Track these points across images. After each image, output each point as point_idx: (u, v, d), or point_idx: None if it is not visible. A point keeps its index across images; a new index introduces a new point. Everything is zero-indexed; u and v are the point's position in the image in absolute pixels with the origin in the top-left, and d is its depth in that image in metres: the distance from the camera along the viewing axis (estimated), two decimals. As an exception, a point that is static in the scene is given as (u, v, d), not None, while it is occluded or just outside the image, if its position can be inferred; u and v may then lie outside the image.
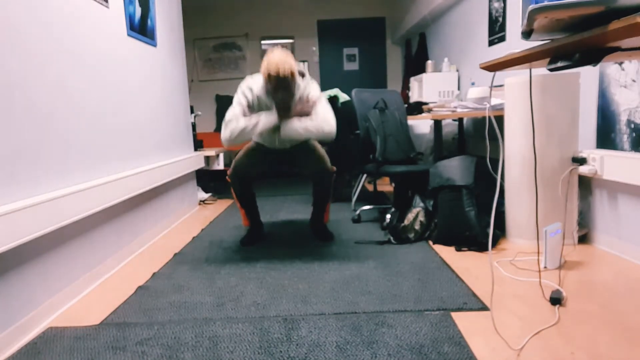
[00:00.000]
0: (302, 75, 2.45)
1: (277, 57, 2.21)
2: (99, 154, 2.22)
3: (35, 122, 1.74)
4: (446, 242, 2.48)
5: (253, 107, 2.40)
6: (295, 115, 2.35)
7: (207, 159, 4.37)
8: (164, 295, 1.93)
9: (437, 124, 3.17)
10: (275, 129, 2.35)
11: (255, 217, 2.75)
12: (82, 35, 2.12)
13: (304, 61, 6.73)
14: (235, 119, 2.31)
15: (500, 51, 3.37)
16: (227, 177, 2.58)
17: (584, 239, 2.41)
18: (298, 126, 2.32)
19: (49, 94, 1.84)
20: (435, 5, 4.48)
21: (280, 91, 2.27)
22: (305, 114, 2.36)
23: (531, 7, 0.91)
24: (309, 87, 2.44)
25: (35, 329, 1.66)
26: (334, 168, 2.59)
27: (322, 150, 2.61)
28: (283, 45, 2.43)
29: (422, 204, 2.63)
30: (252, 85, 2.41)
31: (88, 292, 2.02)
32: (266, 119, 2.31)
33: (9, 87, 1.60)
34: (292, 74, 2.22)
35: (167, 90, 3.30)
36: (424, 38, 5.53)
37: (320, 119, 2.33)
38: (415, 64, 5.55)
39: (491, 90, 1.50)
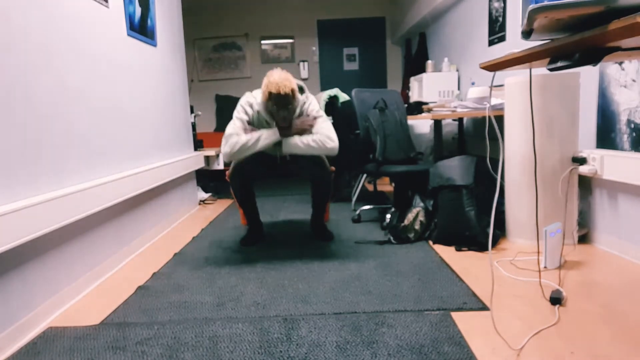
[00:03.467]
0: (302, 91, 2.49)
1: (277, 76, 2.29)
2: (99, 153, 2.22)
3: (35, 122, 1.74)
4: (446, 242, 2.48)
5: (253, 123, 2.43)
6: (295, 130, 2.37)
7: (207, 159, 4.37)
8: (164, 295, 1.93)
9: (437, 124, 3.17)
10: (277, 145, 2.37)
11: (255, 217, 2.75)
12: (82, 35, 2.12)
13: (304, 61, 6.72)
14: (236, 134, 2.32)
15: (500, 51, 3.37)
16: (226, 178, 2.58)
17: (584, 238, 2.41)
18: (300, 143, 2.34)
19: (49, 93, 1.84)
20: (435, 5, 4.48)
21: (281, 109, 2.30)
22: (305, 128, 2.39)
23: (531, 7, 0.91)
24: (308, 102, 2.47)
25: (35, 329, 1.66)
26: (333, 168, 2.59)
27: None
28: (282, 68, 2.44)
29: (422, 204, 2.63)
30: (252, 101, 2.44)
31: (88, 292, 2.02)
32: (268, 135, 2.33)
33: (9, 87, 1.60)
34: (293, 91, 2.28)
35: (167, 90, 3.30)
36: (424, 38, 5.53)
37: (323, 136, 2.36)
38: (415, 63, 5.54)
39: (491, 90, 1.50)
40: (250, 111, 2.42)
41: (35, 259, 1.71)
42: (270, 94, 2.26)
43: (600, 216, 2.32)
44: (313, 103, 2.49)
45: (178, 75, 3.57)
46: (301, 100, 2.44)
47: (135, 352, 1.44)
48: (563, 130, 2.29)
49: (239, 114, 2.41)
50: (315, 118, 2.43)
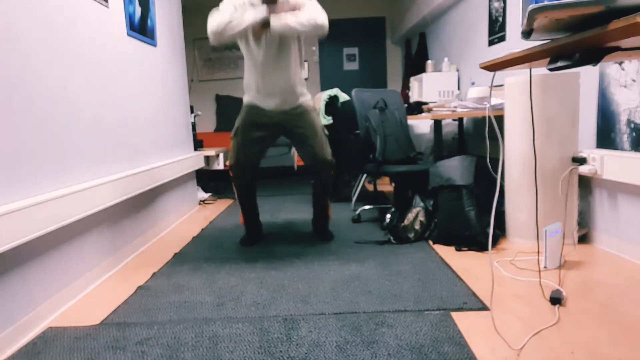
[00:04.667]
0: None
1: None
2: (99, 153, 2.22)
3: (35, 122, 1.74)
4: (446, 242, 2.48)
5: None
6: (282, 10, 2.26)
7: (207, 158, 4.37)
8: (164, 295, 1.93)
9: (437, 124, 3.17)
10: (265, 25, 2.25)
11: (254, 217, 2.75)
12: (81, 35, 2.12)
13: (304, 61, 6.72)
14: (222, 13, 2.23)
15: (500, 51, 3.37)
16: (229, 170, 2.57)
17: (584, 238, 2.41)
18: (289, 19, 2.23)
19: (49, 93, 1.84)
20: (435, 5, 4.48)
21: None
22: (294, 9, 2.28)
23: (531, 7, 0.91)
24: None
25: (35, 329, 1.66)
26: (334, 160, 2.57)
27: (324, 138, 2.56)
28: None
29: (422, 204, 2.63)
30: None
31: (88, 292, 2.02)
32: (254, 13, 2.24)
33: (8, 87, 1.60)
34: None
35: (167, 90, 3.30)
36: (424, 38, 5.53)
37: (312, 13, 2.26)
38: (415, 63, 5.54)
39: (491, 90, 1.50)
40: (237, 3, 2.30)
41: (35, 259, 1.71)
42: None
43: (600, 216, 2.32)
44: None
45: (178, 75, 3.57)
46: None
47: (135, 352, 1.44)
48: (563, 130, 2.29)
49: (227, 2, 2.30)
50: (303, 4, 2.31)
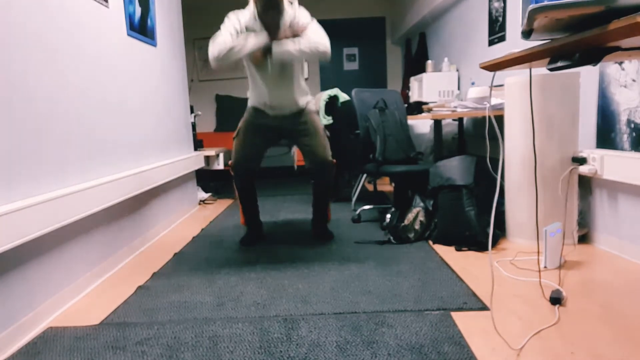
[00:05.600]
0: (291, 2, 2.38)
1: None
2: (99, 153, 2.22)
3: (35, 122, 1.74)
4: (446, 242, 2.48)
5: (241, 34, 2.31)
6: (285, 36, 2.27)
7: (207, 158, 4.37)
8: (164, 295, 1.93)
9: (437, 124, 3.17)
10: (267, 51, 2.26)
11: (255, 216, 2.75)
12: (81, 35, 2.12)
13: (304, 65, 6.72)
14: (224, 39, 2.23)
15: (500, 51, 3.37)
16: (230, 170, 2.57)
17: (584, 238, 2.41)
18: (291, 46, 2.24)
19: (49, 93, 1.84)
20: (435, 5, 4.48)
21: (270, 11, 2.24)
22: (296, 34, 2.28)
23: (531, 6, 0.91)
24: (298, 13, 2.35)
25: (35, 329, 1.66)
26: (335, 161, 2.58)
27: (325, 139, 2.57)
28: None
29: (422, 204, 2.63)
30: (240, 17, 2.34)
31: (88, 292, 2.02)
32: (256, 39, 2.24)
33: (8, 87, 1.60)
34: None
35: (167, 90, 3.30)
36: (424, 38, 5.53)
37: (313, 39, 2.25)
38: (415, 63, 5.54)
39: (491, 90, 1.50)
40: (238, 26, 2.30)
41: (35, 259, 1.71)
42: None
43: (600, 216, 2.32)
44: (304, 15, 2.37)
45: (178, 75, 3.57)
46: (290, 12, 2.33)
47: (135, 352, 1.44)
48: (563, 130, 2.29)
49: (227, 27, 2.30)
50: (305, 27, 2.30)
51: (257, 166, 2.60)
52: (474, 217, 2.37)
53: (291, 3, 2.38)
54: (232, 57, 2.25)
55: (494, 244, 2.44)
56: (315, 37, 2.27)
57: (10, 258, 1.57)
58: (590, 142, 2.35)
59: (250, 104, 2.61)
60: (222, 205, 4.04)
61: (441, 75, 4.39)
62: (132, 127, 2.62)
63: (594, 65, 1.10)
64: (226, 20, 2.34)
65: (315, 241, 2.67)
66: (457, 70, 4.40)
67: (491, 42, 3.56)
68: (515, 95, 2.38)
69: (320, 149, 2.51)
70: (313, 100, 2.70)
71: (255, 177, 2.64)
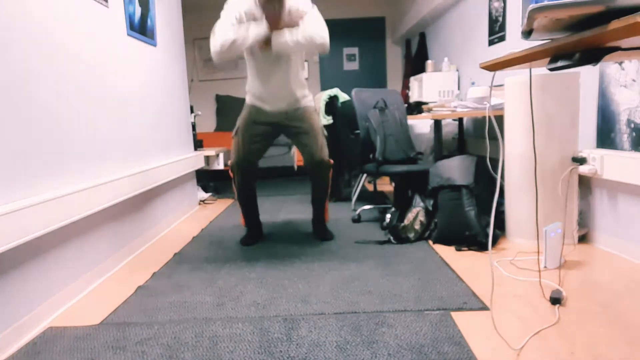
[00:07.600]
0: None
1: None
2: (99, 153, 2.22)
3: (35, 122, 1.74)
4: (446, 242, 2.48)
5: (241, 23, 2.31)
6: (284, 25, 2.27)
7: (207, 158, 4.37)
8: (164, 295, 1.93)
9: (437, 124, 3.17)
10: (267, 41, 2.26)
11: (254, 216, 2.75)
12: (82, 35, 2.12)
13: (304, 61, 6.72)
14: (225, 32, 2.23)
15: (500, 51, 3.37)
16: (229, 171, 2.58)
17: (584, 238, 2.41)
18: (289, 38, 2.24)
19: (49, 93, 1.84)
20: (435, 5, 4.48)
21: (270, 1, 2.24)
22: (295, 23, 2.28)
23: (531, 6, 0.91)
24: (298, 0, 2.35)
25: (35, 329, 1.66)
26: (332, 161, 2.58)
27: (323, 139, 2.57)
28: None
29: (422, 204, 2.63)
30: (240, 2, 2.33)
31: (88, 292, 2.02)
32: (256, 30, 2.23)
33: (8, 87, 1.60)
34: None
35: (167, 90, 3.30)
36: (423, 38, 5.53)
37: (311, 30, 2.26)
38: (415, 63, 5.54)
39: (491, 90, 1.50)
40: (237, 14, 2.30)
41: (35, 259, 1.71)
42: None
43: (600, 216, 2.32)
44: (304, 1, 2.36)
45: (178, 75, 3.57)
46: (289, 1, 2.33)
47: (135, 352, 1.44)
48: (563, 130, 2.29)
49: (227, 14, 2.29)
50: (304, 14, 2.30)
51: (256, 164, 2.61)
52: (474, 217, 2.37)
53: None
54: (235, 50, 2.26)
55: (494, 243, 2.44)
56: (313, 28, 2.27)
57: (10, 258, 1.57)
58: (590, 142, 2.35)
59: (248, 101, 2.61)
60: (222, 205, 4.04)
61: (441, 75, 4.39)
62: (131, 127, 2.62)
63: (594, 65, 1.10)
64: (226, 6, 2.34)
65: (315, 241, 2.67)
66: (457, 70, 4.40)
67: (491, 42, 3.56)
68: (515, 95, 2.38)
69: (318, 148, 2.51)
70: (312, 97, 2.70)
71: (256, 177, 2.65)
